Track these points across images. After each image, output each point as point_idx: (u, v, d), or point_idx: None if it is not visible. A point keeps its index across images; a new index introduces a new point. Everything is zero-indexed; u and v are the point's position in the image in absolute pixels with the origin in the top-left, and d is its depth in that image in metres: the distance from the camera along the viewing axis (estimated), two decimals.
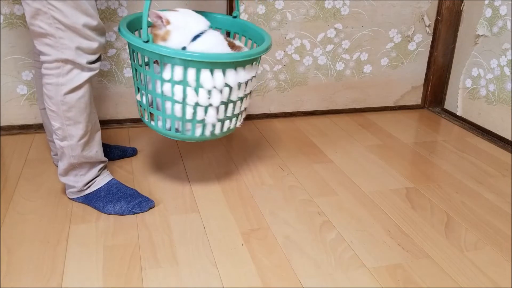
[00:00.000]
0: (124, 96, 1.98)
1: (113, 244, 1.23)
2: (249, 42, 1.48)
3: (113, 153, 1.68)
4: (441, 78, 2.29)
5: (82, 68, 1.23)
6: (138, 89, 1.35)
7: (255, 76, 1.36)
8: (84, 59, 1.22)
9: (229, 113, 1.32)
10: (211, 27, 1.33)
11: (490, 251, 1.24)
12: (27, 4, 1.16)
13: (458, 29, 2.18)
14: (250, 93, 1.38)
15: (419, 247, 1.25)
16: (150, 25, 1.38)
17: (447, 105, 2.30)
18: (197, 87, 1.23)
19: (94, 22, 1.20)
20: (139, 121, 2.04)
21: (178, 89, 1.23)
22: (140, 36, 1.31)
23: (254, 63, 1.32)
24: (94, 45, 1.22)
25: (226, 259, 1.18)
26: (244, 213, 1.38)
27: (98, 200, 1.37)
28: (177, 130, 1.31)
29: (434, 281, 1.13)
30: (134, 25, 1.37)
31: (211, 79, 1.22)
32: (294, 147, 1.85)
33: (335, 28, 2.07)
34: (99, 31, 1.23)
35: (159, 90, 1.26)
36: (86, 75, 1.25)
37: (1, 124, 1.90)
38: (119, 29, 1.28)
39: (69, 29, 1.18)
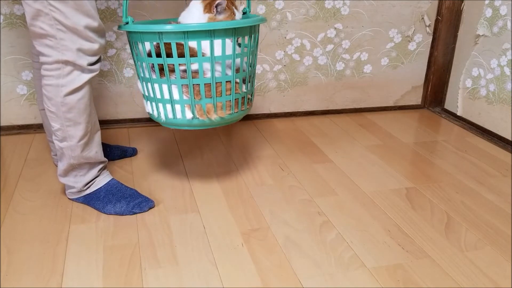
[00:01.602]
0: (124, 96, 1.98)
1: (113, 244, 1.23)
2: None
3: (113, 153, 1.68)
4: (441, 78, 2.29)
5: (82, 69, 1.23)
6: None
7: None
8: (85, 60, 1.22)
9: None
10: None
11: (490, 251, 1.24)
12: (27, 4, 1.15)
13: (458, 29, 2.18)
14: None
15: (419, 247, 1.25)
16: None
17: (447, 105, 2.30)
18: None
19: (95, 23, 1.20)
20: (139, 121, 2.05)
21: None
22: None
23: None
24: (95, 46, 1.22)
25: (226, 259, 1.18)
26: (244, 213, 1.38)
27: (98, 200, 1.37)
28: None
29: (434, 281, 1.13)
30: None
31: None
32: (294, 147, 1.85)
33: (335, 28, 2.07)
34: (100, 32, 1.23)
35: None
36: (87, 76, 1.24)
37: (1, 124, 1.90)
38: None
39: (70, 30, 1.17)
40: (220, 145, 1.85)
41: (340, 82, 2.19)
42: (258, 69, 2.06)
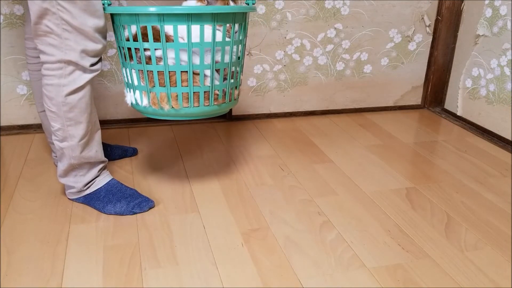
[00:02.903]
0: (124, 96, 1.98)
1: (113, 244, 1.23)
2: None
3: (114, 153, 1.68)
4: (441, 78, 2.29)
5: (84, 69, 1.23)
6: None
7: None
8: (87, 62, 1.22)
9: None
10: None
11: (490, 251, 1.24)
12: (34, 3, 1.14)
13: (458, 29, 2.18)
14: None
15: (419, 247, 1.25)
16: None
17: (447, 105, 2.30)
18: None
19: (101, 23, 1.20)
20: (139, 121, 2.04)
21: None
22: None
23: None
24: (99, 47, 1.22)
25: (226, 259, 1.18)
26: (244, 213, 1.38)
27: (98, 200, 1.37)
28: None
29: (434, 281, 1.13)
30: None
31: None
32: (294, 147, 1.85)
33: (335, 28, 2.07)
34: (104, 33, 1.23)
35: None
36: (88, 76, 1.24)
37: (1, 124, 1.90)
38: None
39: (76, 30, 1.17)
40: (220, 145, 1.85)
41: (340, 82, 2.19)
42: (258, 69, 2.06)
